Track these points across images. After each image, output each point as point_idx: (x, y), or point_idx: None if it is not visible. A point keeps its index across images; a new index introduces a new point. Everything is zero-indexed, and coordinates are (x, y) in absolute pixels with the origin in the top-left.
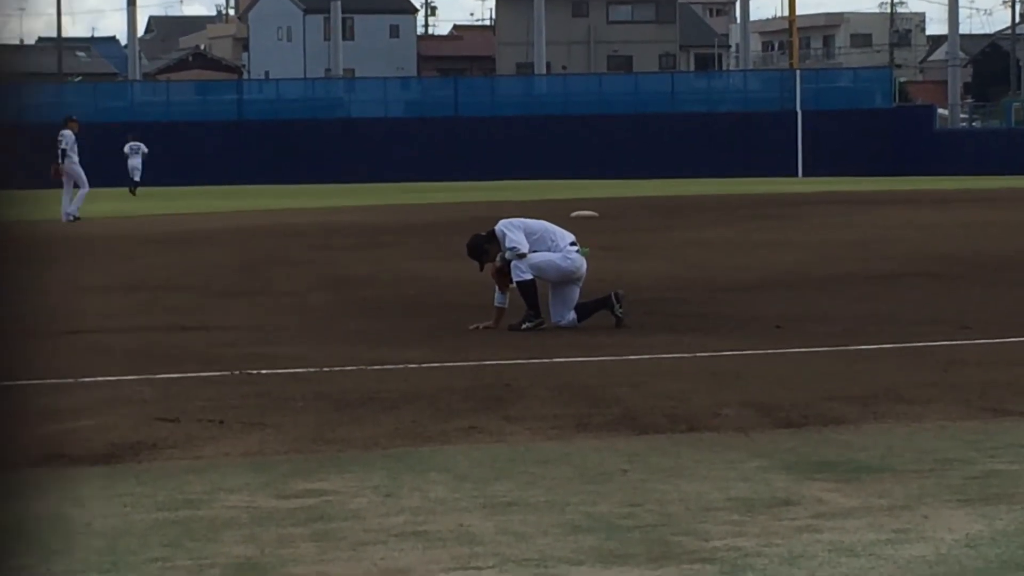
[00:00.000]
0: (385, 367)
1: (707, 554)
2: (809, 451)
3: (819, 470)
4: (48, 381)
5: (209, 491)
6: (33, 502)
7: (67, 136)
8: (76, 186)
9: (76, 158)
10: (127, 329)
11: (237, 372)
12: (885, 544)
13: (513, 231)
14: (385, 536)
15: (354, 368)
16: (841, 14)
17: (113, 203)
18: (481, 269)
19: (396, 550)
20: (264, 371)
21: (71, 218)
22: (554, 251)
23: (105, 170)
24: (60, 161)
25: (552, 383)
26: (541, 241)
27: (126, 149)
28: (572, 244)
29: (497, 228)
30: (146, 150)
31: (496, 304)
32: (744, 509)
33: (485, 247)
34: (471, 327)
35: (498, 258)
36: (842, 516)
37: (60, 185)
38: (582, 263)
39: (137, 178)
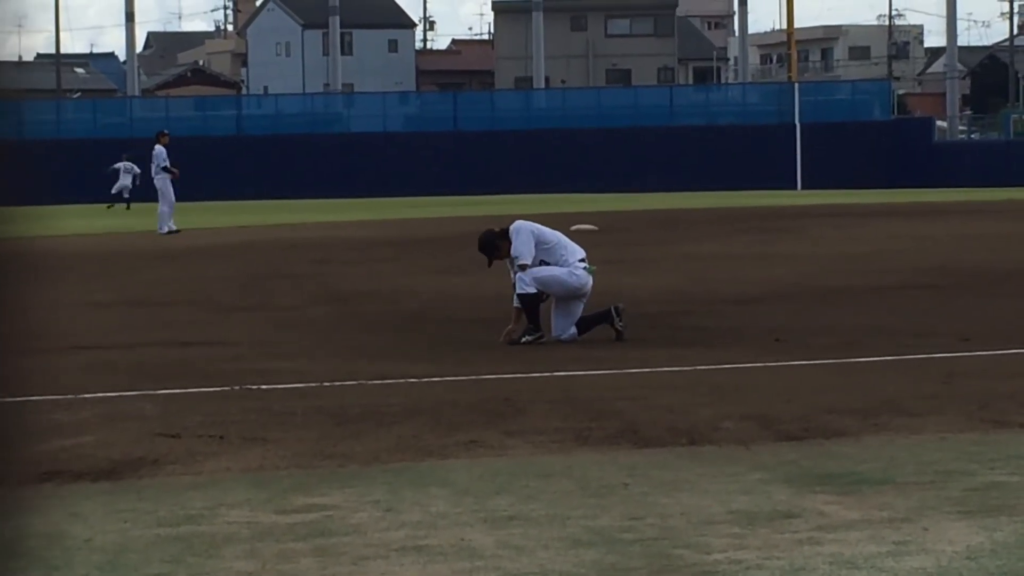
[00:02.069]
0: (385, 381)
1: (708, 567)
2: (810, 464)
3: (820, 483)
4: (49, 397)
5: (210, 506)
6: (34, 518)
7: (161, 152)
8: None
9: (162, 173)
10: (128, 345)
11: (238, 387)
12: (886, 556)
13: (522, 238)
14: (386, 551)
15: (354, 383)
16: (839, 27)
17: (114, 218)
18: (490, 265)
19: (397, 565)
20: (264, 386)
21: (173, 231)
22: (562, 265)
23: (108, 185)
24: (158, 174)
25: (552, 397)
26: (551, 252)
27: (120, 167)
28: (581, 260)
29: (512, 227)
30: (138, 171)
31: (516, 305)
32: (745, 522)
33: (497, 243)
34: (502, 340)
35: (507, 262)
36: (843, 528)
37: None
38: (588, 280)
39: (127, 195)
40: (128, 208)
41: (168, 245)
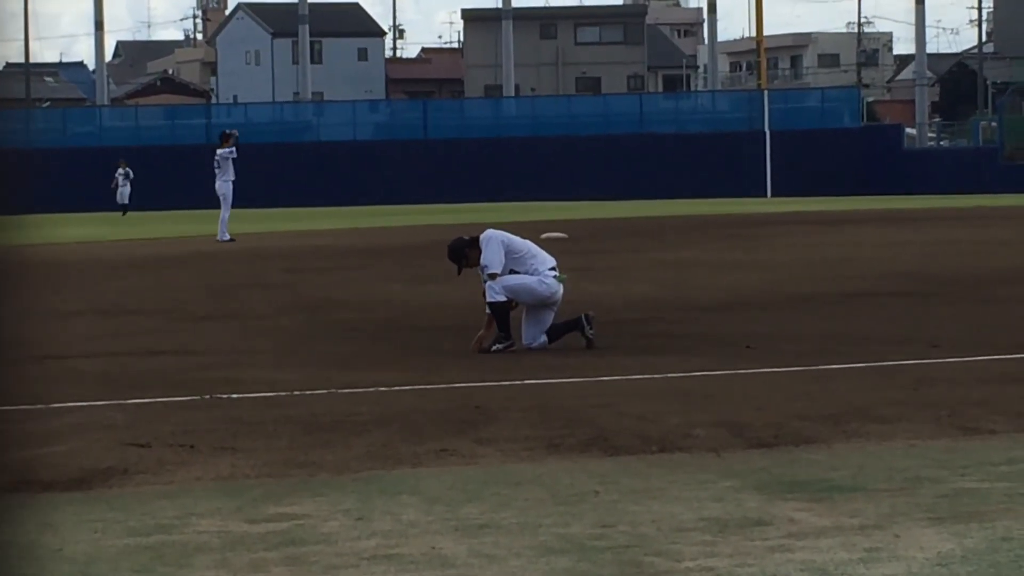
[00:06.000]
0: (356, 390)
1: (680, 574)
2: (781, 471)
3: (791, 490)
4: (19, 407)
5: (181, 516)
6: (4, 528)
7: (219, 154)
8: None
9: (225, 177)
10: (98, 354)
11: (208, 396)
12: (857, 563)
13: (492, 247)
14: (357, 560)
15: (325, 391)
16: (809, 34)
17: (84, 228)
18: (459, 273)
19: (368, 574)
20: (235, 395)
21: (227, 239)
22: (532, 274)
23: (78, 194)
24: (220, 178)
25: (523, 405)
26: (521, 261)
27: (119, 174)
28: (552, 269)
29: (482, 236)
30: (132, 175)
31: (488, 312)
32: (716, 529)
33: (466, 251)
34: (473, 348)
35: (477, 270)
36: (814, 536)
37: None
38: (558, 289)
39: (126, 201)
40: (124, 215)
41: (135, 254)
